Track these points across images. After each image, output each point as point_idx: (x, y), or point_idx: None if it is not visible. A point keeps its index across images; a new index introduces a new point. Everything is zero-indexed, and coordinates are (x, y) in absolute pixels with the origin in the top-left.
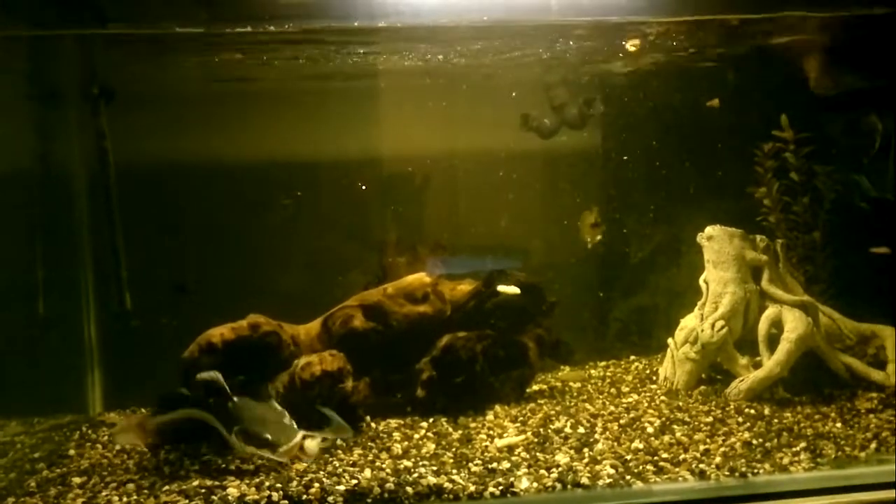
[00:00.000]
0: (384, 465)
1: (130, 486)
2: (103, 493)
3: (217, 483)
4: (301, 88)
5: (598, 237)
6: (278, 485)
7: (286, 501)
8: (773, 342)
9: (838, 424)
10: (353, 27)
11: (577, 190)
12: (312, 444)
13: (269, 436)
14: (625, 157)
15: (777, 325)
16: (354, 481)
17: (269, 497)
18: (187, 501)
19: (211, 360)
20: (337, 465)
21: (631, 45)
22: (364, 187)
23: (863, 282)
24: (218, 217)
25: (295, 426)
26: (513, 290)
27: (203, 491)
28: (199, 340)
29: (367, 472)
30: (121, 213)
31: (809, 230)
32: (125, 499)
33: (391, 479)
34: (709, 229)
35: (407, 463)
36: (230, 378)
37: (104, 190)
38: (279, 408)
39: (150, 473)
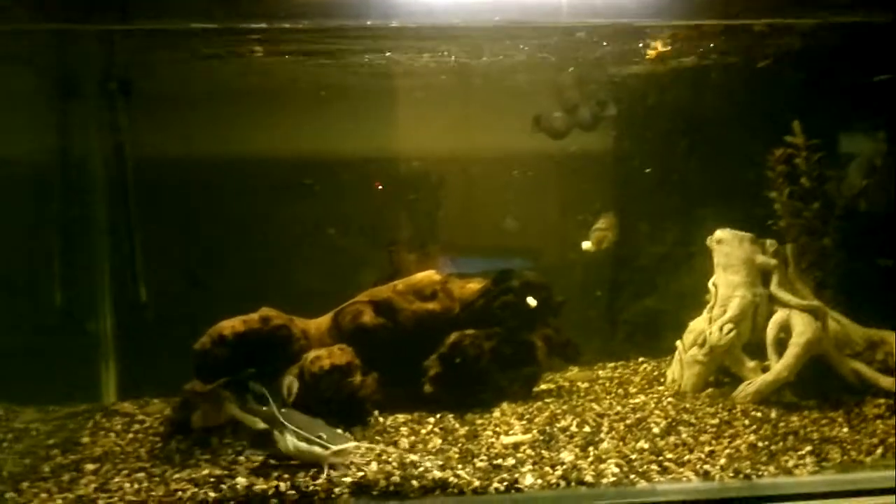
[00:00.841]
0: (391, 459)
1: (141, 473)
2: (115, 480)
3: (227, 472)
4: (316, 86)
5: (605, 244)
6: (286, 475)
7: (293, 492)
8: (781, 346)
9: (845, 429)
10: (368, 26)
11: (588, 191)
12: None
13: (323, 434)
14: (637, 160)
15: (786, 329)
16: (361, 473)
17: (277, 487)
18: (196, 489)
19: (222, 351)
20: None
21: (644, 48)
22: (379, 186)
23: (873, 288)
24: (233, 212)
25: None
26: (531, 301)
27: (213, 480)
28: (210, 332)
29: (374, 465)
30: (138, 207)
31: (820, 236)
32: (136, 485)
33: (397, 472)
34: (718, 233)
35: (413, 457)
36: (241, 369)
37: (121, 184)
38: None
39: (162, 462)
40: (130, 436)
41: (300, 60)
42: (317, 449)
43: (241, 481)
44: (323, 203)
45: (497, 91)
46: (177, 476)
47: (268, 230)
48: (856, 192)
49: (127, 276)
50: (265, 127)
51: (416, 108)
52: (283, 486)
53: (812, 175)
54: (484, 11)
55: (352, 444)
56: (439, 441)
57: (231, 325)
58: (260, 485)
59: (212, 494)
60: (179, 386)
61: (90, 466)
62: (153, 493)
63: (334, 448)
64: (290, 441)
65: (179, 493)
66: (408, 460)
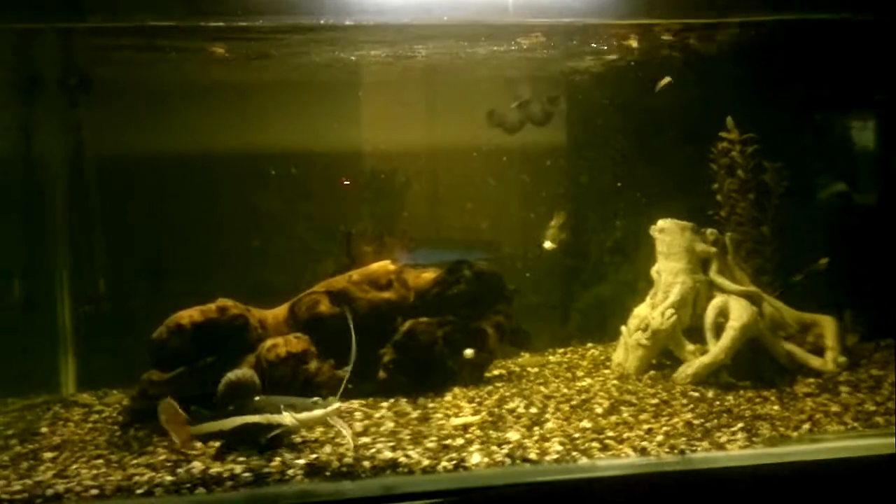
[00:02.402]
0: (344, 442)
1: (100, 460)
2: (73, 467)
3: (183, 457)
4: (273, 82)
5: (557, 243)
6: (241, 458)
7: (248, 474)
8: (719, 330)
9: (776, 407)
10: (322, 24)
11: (541, 184)
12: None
13: (314, 400)
14: (587, 154)
15: (724, 313)
16: (314, 455)
17: (232, 470)
18: (153, 474)
19: (179, 340)
20: (298, 440)
21: (593, 45)
22: (346, 182)
23: (807, 274)
24: (192, 206)
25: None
26: (468, 352)
27: (169, 464)
28: (167, 322)
29: (328, 448)
30: (96, 201)
31: (758, 224)
32: (94, 471)
33: (349, 453)
34: (661, 222)
35: (366, 439)
36: (198, 359)
37: (80, 178)
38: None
39: (120, 449)
40: (89, 425)
41: (259, 58)
42: (318, 412)
43: (198, 465)
44: (283, 196)
45: (454, 87)
46: (134, 462)
47: (227, 223)
48: None
49: (85, 269)
50: (224, 123)
51: (372, 104)
52: (238, 468)
53: (747, 167)
54: (434, 10)
55: (338, 403)
56: (392, 424)
57: (188, 315)
58: (216, 468)
59: (168, 478)
60: (138, 376)
61: (48, 455)
62: (111, 478)
63: (332, 407)
64: (290, 417)
65: (136, 477)
66: (360, 442)
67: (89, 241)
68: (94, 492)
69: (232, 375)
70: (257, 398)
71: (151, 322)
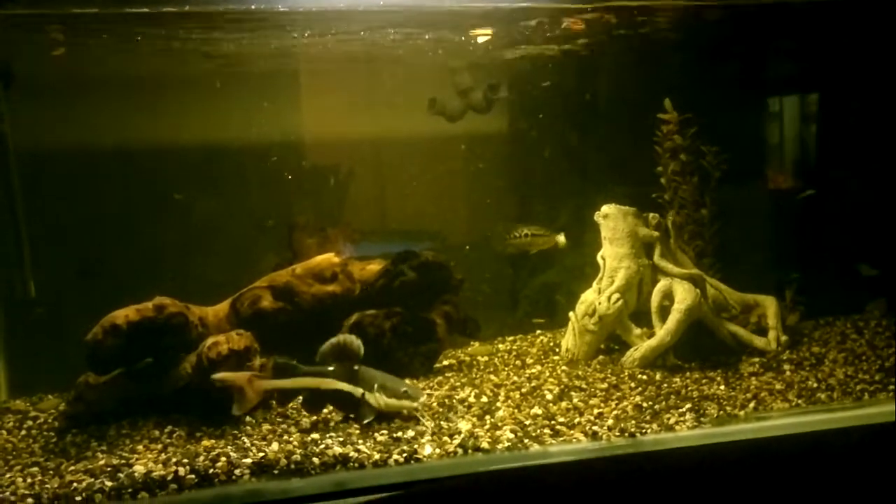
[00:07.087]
0: (292, 439)
1: (35, 468)
2: (7, 476)
3: (124, 461)
4: (208, 72)
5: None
6: (185, 460)
7: (193, 476)
8: (665, 313)
9: (722, 387)
10: (253, 10)
11: (486, 172)
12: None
13: (405, 389)
14: (531, 141)
15: (669, 296)
16: (261, 454)
17: (176, 472)
18: (92, 480)
19: (115, 341)
20: (245, 440)
21: (532, 31)
22: (279, 172)
23: (746, 255)
24: (128, 202)
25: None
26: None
27: (109, 469)
28: (102, 322)
29: (275, 446)
30: (24, 198)
31: (699, 207)
32: (29, 480)
33: (298, 451)
34: (604, 208)
35: (314, 435)
36: (136, 360)
37: (4, 175)
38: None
39: (57, 455)
40: (23, 432)
41: (188, 46)
42: (404, 402)
43: (139, 469)
44: (222, 190)
45: (394, 75)
46: (72, 468)
47: (164, 219)
48: None
49: (14, 269)
50: (157, 116)
51: (307, 93)
52: (182, 470)
53: (689, 150)
54: None
55: (424, 398)
56: (340, 418)
57: (124, 315)
58: (158, 471)
59: (108, 483)
60: (73, 380)
61: None
62: (47, 486)
63: (421, 400)
64: (377, 399)
65: (75, 484)
66: (308, 439)
67: (17, 240)
68: (30, 501)
69: (340, 337)
70: (356, 367)
71: (86, 323)
